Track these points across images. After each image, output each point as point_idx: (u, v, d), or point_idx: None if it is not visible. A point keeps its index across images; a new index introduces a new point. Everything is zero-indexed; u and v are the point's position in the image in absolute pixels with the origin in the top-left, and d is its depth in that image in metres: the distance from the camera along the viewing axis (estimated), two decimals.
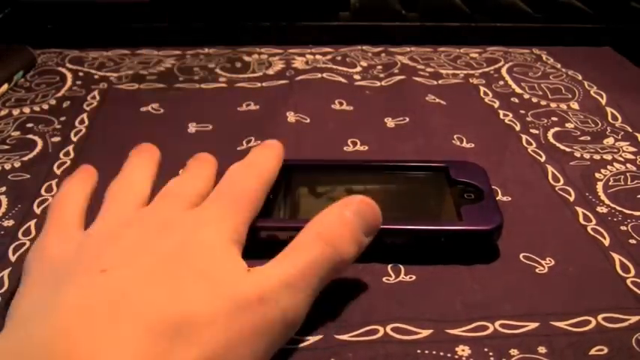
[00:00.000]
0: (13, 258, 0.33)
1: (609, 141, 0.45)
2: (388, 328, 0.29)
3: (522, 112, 0.50)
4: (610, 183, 0.40)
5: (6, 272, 0.32)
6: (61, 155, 0.42)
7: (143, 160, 0.34)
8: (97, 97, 0.51)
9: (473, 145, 0.44)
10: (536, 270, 0.33)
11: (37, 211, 0.37)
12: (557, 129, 0.47)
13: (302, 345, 0.28)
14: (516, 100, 0.52)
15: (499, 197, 0.38)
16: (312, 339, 0.28)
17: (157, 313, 0.23)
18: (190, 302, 0.24)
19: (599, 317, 0.30)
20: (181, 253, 0.26)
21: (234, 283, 0.25)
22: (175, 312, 0.23)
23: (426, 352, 0.27)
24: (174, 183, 0.32)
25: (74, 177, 0.34)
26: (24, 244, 0.34)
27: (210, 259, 0.26)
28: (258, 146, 0.35)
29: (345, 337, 0.28)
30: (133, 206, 0.30)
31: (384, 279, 0.32)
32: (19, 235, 0.35)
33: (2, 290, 0.31)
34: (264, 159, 0.33)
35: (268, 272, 0.26)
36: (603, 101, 0.51)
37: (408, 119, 0.48)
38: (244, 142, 0.44)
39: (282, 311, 0.25)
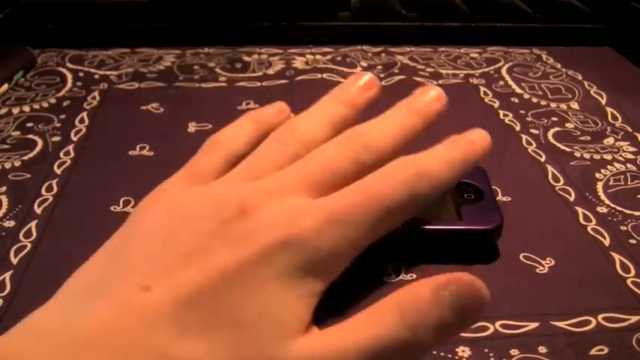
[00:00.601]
0: (14, 260, 0.33)
1: (609, 141, 0.45)
2: None
3: (522, 112, 0.50)
4: (610, 183, 0.40)
5: (7, 275, 0.32)
6: (61, 155, 0.42)
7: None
8: (97, 97, 0.51)
9: None
10: (537, 270, 0.33)
11: (38, 211, 0.37)
12: (557, 129, 0.47)
13: None
14: (516, 100, 0.52)
15: (499, 197, 0.38)
16: None
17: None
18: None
19: (600, 317, 0.30)
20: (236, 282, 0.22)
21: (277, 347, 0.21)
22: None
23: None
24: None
25: (252, 114, 0.32)
26: (25, 246, 0.34)
27: (266, 302, 0.22)
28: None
29: None
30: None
31: (384, 278, 0.32)
32: (20, 236, 0.35)
33: (4, 293, 0.30)
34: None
35: (333, 344, 0.22)
36: (603, 101, 0.51)
37: None
38: None
39: None
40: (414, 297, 0.22)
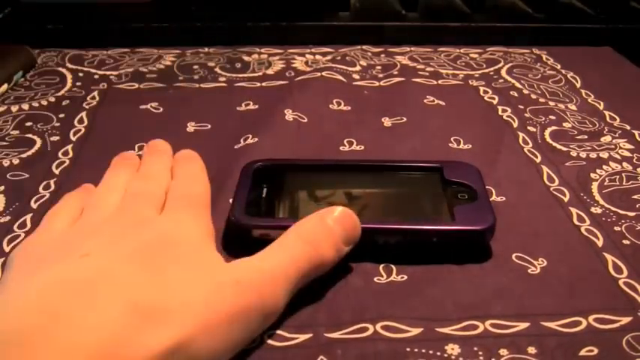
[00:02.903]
0: (7, 248, 0.33)
1: (607, 138, 0.45)
2: (378, 327, 0.29)
3: (521, 107, 0.50)
4: (605, 183, 0.40)
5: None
6: (59, 154, 0.43)
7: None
8: (97, 97, 0.51)
9: (469, 145, 0.44)
10: (529, 270, 0.33)
11: (34, 206, 0.37)
12: (554, 128, 0.47)
13: (292, 342, 0.28)
14: (515, 94, 0.52)
15: (493, 197, 0.38)
16: (301, 336, 0.28)
17: (135, 294, 0.24)
18: (168, 287, 0.25)
19: (590, 318, 0.30)
20: (160, 244, 0.28)
21: (212, 270, 0.27)
22: (153, 295, 0.24)
23: (416, 350, 0.28)
24: (141, 181, 0.35)
25: (73, 193, 0.36)
26: (19, 235, 0.34)
27: (189, 249, 0.28)
28: (180, 157, 0.38)
29: (335, 335, 0.28)
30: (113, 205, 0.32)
31: (375, 279, 0.32)
32: (15, 227, 0.35)
33: None
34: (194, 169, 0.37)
35: (247, 262, 0.28)
36: (602, 102, 0.51)
37: (405, 119, 0.48)
38: (242, 140, 0.45)
39: (259, 298, 0.26)
40: (310, 226, 0.30)
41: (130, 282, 0.25)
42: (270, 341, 0.28)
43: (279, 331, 0.28)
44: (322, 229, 0.30)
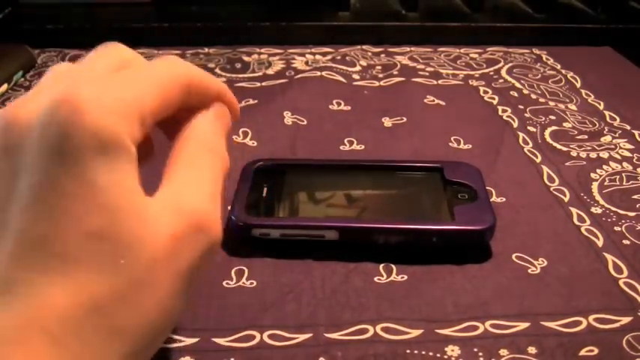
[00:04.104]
0: None
1: (607, 138, 0.45)
2: (378, 328, 0.29)
3: (521, 107, 0.50)
4: (605, 183, 0.40)
5: None
6: None
7: None
8: None
9: (469, 145, 0.44)
10: (529, 270, 0.33)
11: None
12: (554, 128, 0.47)
13: (292, 342, 0.28)
14: (515, 94, 0.52)
15: (493, 197, 0.38)
16: (301, 337, 0.28)
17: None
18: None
19: (590, 318, 0.30)
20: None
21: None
22: (84, 318, 0.19)
23: (415, 352, 0.28)
24: None
25: None
26: None
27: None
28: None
29: (334, 335, 0.28)
30: None
31: (375, 278, 0.32)
32: None
33: None
34: None
35: (191, 204, 0.22)
36: (602, 102, 0.51)
37: (405, 119, 0.48)
38: (240, 133, 0.45)
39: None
40: (209, 134, 0.25)
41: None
42: (269, 341, 0.28)
43: (278, 331, 0.28)
44: (216, 134, 0.26)
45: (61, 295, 0.19)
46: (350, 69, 0.56)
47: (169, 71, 0.24)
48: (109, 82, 0.22)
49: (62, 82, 0.22)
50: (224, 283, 0.31)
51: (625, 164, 0.42)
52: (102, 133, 0.20)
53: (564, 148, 0.44)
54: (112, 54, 0.24)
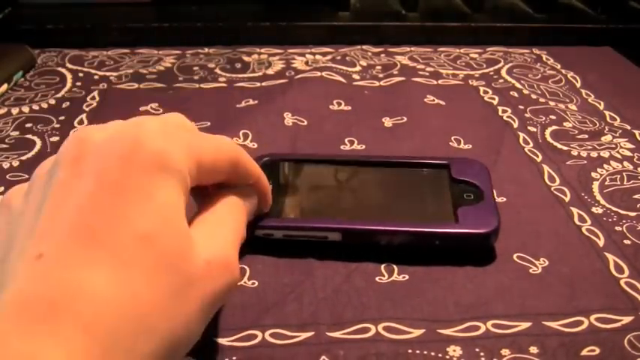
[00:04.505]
0: None
1: (607, 138, 0.45)
2: (380, 327, 0.29)
3: (521, 107, 0.50)
4: (606, 183, 0.40)
5: None
6: None
7: None
8: (97, 98, 0.51)
9: (469, 145, 0.44)
10: (530, 270, 0.33)
11: None
12: (554, 127, 0.47)
13: (293, 341, 0.28)
14: (515, 95, 0.52)
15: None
16: (303, 335, 0.28)
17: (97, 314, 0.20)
18: (136, 296, 0.20)
19: (592, 318, 0.30)
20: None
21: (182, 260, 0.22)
22: (120, 313, 0.20)
23: (417, 351, 0.28)
24: None
25: None
26: None
27: (159, 225, 0.22)
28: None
29: (336, 334, 0.28)
30: None
31: (377, 278, 0.32)
32: None
33: None
34: None
35: (219, 245, 0.25)
36: (602, 101, 0.51)
37: (405, 119, 0.48)
38: (240, 135, 0.45)
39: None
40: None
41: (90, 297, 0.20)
42: (271, 339, 0.28)
43: (280, 330, 0.28)
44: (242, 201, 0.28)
45: (103, 286, 0.19)
46: (350, 69, 0.56)
47: (224, 143, 0.27)
48: (176, 129, 0.25)
49: (130, 121, 0.25)
50: None
51: (626, 163, 0.42)
52: (166, 154, 0.22)
53: (565, 148, 0.44)
54: (177, 117, 0.27)
